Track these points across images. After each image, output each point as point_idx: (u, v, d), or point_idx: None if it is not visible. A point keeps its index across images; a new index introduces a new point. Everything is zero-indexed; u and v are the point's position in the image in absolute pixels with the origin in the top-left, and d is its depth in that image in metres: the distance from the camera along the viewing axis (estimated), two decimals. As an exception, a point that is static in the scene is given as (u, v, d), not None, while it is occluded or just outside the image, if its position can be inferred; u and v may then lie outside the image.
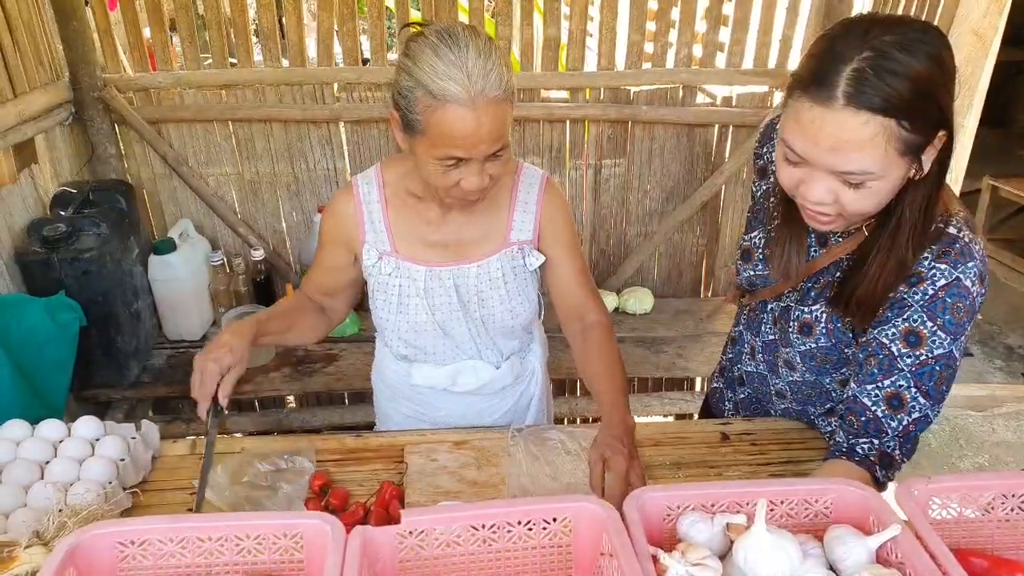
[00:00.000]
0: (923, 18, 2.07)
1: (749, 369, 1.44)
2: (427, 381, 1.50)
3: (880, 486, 1.12)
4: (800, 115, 0.98)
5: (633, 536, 0.85)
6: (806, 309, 1.25)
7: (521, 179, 1.38)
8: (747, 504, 0.92)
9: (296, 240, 2.75)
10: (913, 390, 1.10)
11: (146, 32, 2.48)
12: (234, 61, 2.52)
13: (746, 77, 2.59)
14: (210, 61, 2.52)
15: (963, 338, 1.10)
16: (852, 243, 1.17)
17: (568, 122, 2.62)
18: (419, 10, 2.56)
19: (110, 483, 1.19)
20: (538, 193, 1.38)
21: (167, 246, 2.39)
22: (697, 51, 2.57)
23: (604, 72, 2.55)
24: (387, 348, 1.53)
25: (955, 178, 2.10)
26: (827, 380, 1.31)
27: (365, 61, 2.55)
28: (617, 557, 0.83)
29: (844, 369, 1.27)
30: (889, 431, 1.12)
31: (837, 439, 1.18)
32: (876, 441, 1.13)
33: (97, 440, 1.28)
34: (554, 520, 0.90)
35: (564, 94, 2.61)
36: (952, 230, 1.09)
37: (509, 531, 0.89)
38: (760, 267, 1.31)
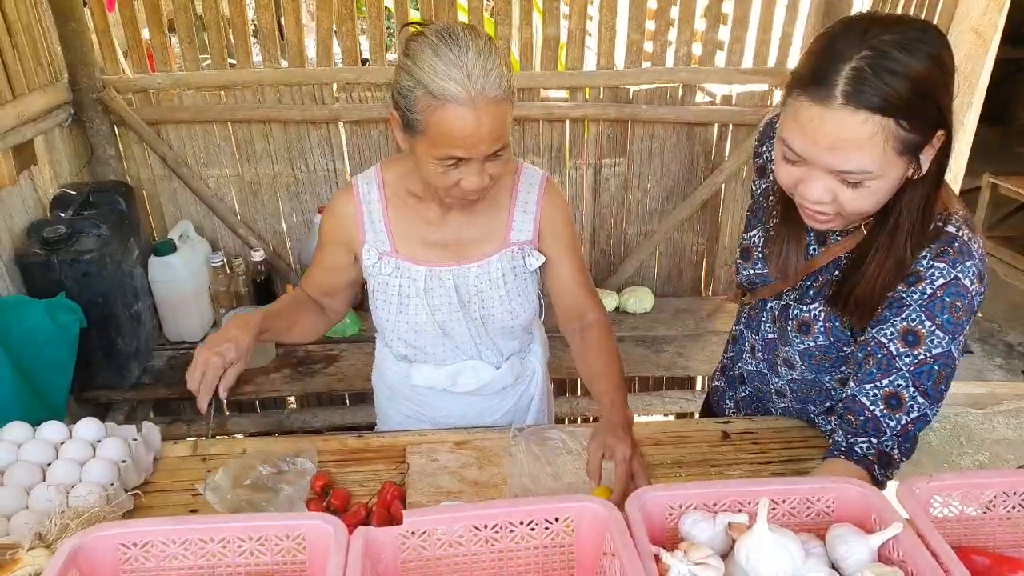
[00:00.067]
0: (923, 16, 2.07)
1: (749, 368, 1.45)
2: (427, 381, 1.50)
3: (879, 485, 1.11)
4: (799, 114, 0.98)
5: (635, 535, 0.85)
6: (804, 308, 1.26)
7: (521, 179, 1.38)
8: (749, 503, 0.92)
9: (296, 241, 2.75)
10: (911, 389, 1.10)
11: (145, 33, 2.48)
12: (233, 62, 2.52)
13: (746, 76, 2.59)
14: (209, 62, 2.52)
15: (962, 337, 1.10)
16: (851, 242, 1.17)
17: (568, 122, 2.62)
18: (418, 10, 2.56)
19: (112, 485, 1.19)
20: (538, 193, 1.38)
21: (167, 247, 2.39)
22: (696, 50, 2.57)
23: (603, 71, 2.55)
24: (387, 348, 1.53)
25: (955, 176, 2.10)
26: (826, 378, 1.31)
27: (364, 61, 2.54)
28: (619, 557, 0.83)
29: (843, 367, 1.27)
30: (887, 430, 1.12)
31: (836, 438, 1.18)
32: (875, 440, 1.13)
33: (98, 442, 1.28)
34: (556, 520, 0.90)
35: (563, 93, 2.61)
36: (951, 228, 1.08)
37: (511, 531, 0.90)
38: (759, 266, 1.31)
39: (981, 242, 1.10)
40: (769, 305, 1.35)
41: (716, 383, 1.60)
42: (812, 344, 1.26)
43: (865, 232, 1.14)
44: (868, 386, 1.12)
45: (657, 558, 0.84)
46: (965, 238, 1.08)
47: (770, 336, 1.35)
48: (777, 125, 1.06)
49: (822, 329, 1.23)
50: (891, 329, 1.10)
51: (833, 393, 1.34)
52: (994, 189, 4.35)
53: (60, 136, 2.38)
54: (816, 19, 2.49)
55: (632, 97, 2.60)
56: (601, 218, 2.80)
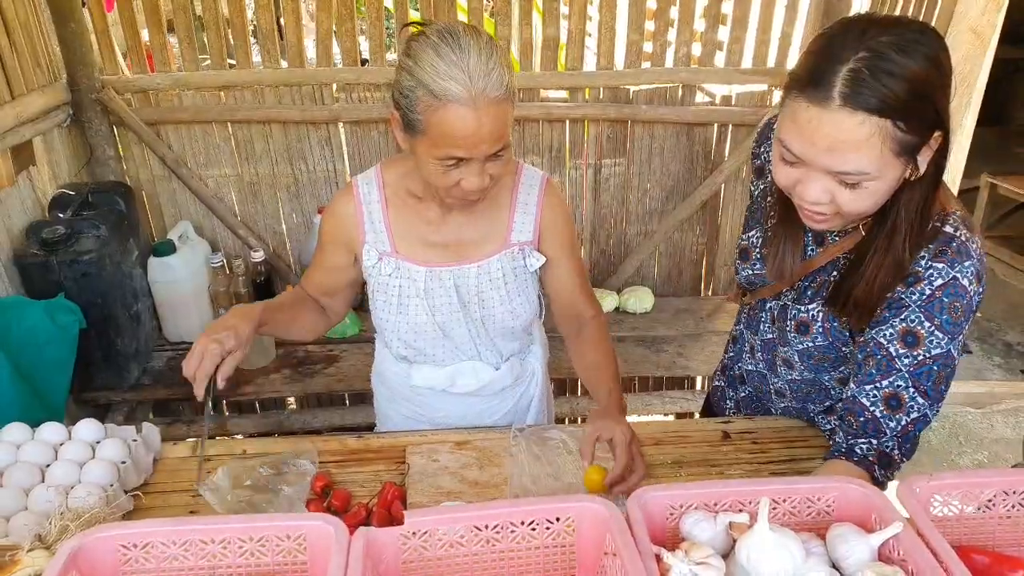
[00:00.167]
0: (922, 16, 2.07)
1: (749, 368, 1.45)
2: (426, 382, 1.50)
3: (880, 486, 1.11)
4: (797, 115, 0.98)
5: (636, 535, 0.85)
6: (803, 308, 1.26)
7: (521, 180, 1.38)
8: (749, 503, 0.93)
9: (296, 241, 2.75)
10: (911, 390, 1.10)
11: (144, 33, 2.48)
12: (232, 62, 2.52)
13: (745, 76, 2.59)
14: (208, 62, 2.51)
15: (961, 337, 1.10)
16: (849, 242, 1.17)
17: (568, 122, 2.62)
18: (418, 10, 2.56)
19: (111, 486, 1.19)
20: (538, 194, 1.38)
21: (167, 248, 2.39)
22: (696, 50, 2.57)
23: (603, 71, 2.55)
24: (387, 349, 1.53)
25: (953, 176, 2.11)
26: (825, 378, 1.31)
27: (364, 62, 2.54)
28: (620, 556, 0.83)
29: (842, 367, 1.27)
30: (888, 431, 1.12)
31: (836, 439, 1.18)
32: (875, 441, 1.13)
33: (98, 443, 1.28)
34: (557, 520, 0.91)
35: (563, 94, 2.61)
36: (949, 229, 1.08)
37: (512, 531, 0.90)
38: (758, 266, 1.32)
39: (979, 242, 1.10)
40: (768, 305, 1.35)
41: (716, 383, 1.61)
42: (811, 344, 1.26)
43: (863, 233, 1.14)
44: (868, 387, 1.13)
45: (658, 558, 0.84)
46: (963, 238, 1.08)
47: (769, 336, 1.36)
48: (775, 126, 1.06)
49: (820, 329, 1.23)
50: (890, 330, 1.10)
51: (833, 392, 1.34)
52: (992, 189, 4.36)
53: (59, 137, 2.38)
54: (815, 19, 2.49)
55: (632, 97, 2.60)
56: (601, 218, 2.80)
